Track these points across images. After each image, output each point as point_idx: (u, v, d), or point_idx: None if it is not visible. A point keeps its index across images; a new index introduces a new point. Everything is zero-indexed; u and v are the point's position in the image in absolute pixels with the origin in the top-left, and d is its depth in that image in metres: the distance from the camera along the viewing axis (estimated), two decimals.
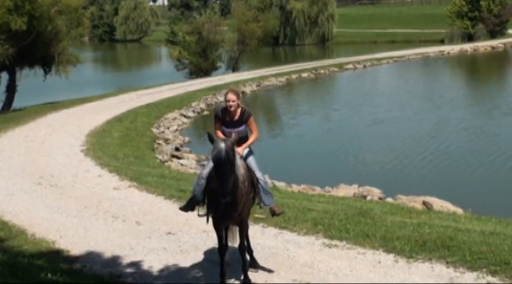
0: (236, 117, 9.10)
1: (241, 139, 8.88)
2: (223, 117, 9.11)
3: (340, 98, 43.35)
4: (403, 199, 16.83)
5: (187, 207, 9.32)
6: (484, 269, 9.15)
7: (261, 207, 9.45)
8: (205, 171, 8.97)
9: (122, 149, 22.48)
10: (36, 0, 32.78)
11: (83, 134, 25.02)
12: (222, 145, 8.06)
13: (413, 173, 21.92)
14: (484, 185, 20.19)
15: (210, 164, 8.87)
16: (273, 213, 9.34)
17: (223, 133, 9.04)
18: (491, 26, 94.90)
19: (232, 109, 9.04)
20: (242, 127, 9.08)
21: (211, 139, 8.28)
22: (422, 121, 32.03)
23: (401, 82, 51.58)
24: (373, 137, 28.59)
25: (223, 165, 8.00)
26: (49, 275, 8.85)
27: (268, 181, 18.44)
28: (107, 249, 10.91)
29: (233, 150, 8.17)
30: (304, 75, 55.07)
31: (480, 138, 27.78)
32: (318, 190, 18.49)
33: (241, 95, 9.51)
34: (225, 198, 8.08)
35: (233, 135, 8.61)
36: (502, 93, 43.09)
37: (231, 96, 9.03)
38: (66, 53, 38.29)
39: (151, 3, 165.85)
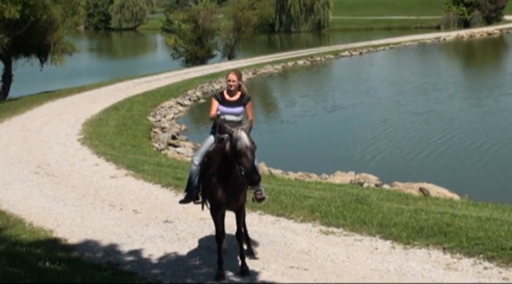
0: (235, 98, 9.16)
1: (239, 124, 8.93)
2: (222, 98, 9.17)
3: (335, 85, 43.28)
4: (400, 186, 16.86)
5: (187, 199, 9.35)
6: (481, 255, 9.19)
7: (255, 191, 9.27)
8: (197, 157, 9.02)
9: (119, 138, 22.47)
10: None
11: (79, 123, 25.01)
12: (244, 135, 8.04)
13: (409, 160, 21.95)
14: (480, 171, 20.22)
15: (202, 150, 8.98)
16: (256, 198, 9.17)
17: (218, 115, 9.04)
18: (487, 12, 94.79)
19: (233, 89, 9.12)
20: (240, 108, 9.12)
21: (222, 128, 8.34)
22: (419, 109, 32.06)
23: (397, 69, 51.67)
24: (370, 124, 28.58)
25: (250, 154, 7.97)
26: (47, 263, 8.86)
27: (265, 168, 18.51)
28: (105, 237, 10.92)
29: (251, 138, 8.15)
30: (300, 62, 55.05)
31: (476, 124, 27.82)
32: (314, 177, 18.52)
33: (242, 76, 9.52)
34: (256, 185, 8.36)
35: (247, 123, 8.57)
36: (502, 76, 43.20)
37: (233, 77, 9.13)
38: (61, 42, 38.23)
39: None
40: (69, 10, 38.99)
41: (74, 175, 16.17)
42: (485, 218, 10.95)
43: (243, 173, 7.94)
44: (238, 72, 9.38)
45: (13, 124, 25.19)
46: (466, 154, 22.41)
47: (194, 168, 9.03)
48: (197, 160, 9.00)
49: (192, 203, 9.42)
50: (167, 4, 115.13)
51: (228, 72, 9.34)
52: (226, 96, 9.17)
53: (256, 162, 8.46)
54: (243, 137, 8.00)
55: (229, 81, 9.15)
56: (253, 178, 7.94)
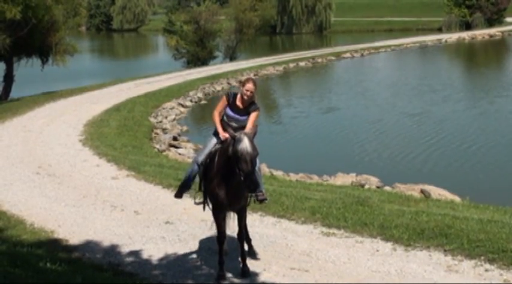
0: (245, 106, 8.98)
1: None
2: (233, 101, 9.02)
3: (336, 87, 43.24)
4: (401, 188, 16.86)
5: (181, 191, 9.40)
6: (482, 257, 9.18)
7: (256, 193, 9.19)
8: (201, 158, 9.01)
9: (120, 139, 22.47)
10: None
11: (80, 124, 25.02)
12: (246, 139, 7.96)
13: (411, 161, 21.93)
14: (481, 173, 20.19)
15: (206, 151, 8.95)
16: (257, 199, 8.98)
17: (223, 118, 9.03)
18: (489, 14, 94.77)
19: (248, 99, 8.93)
20: (245, 117, 8.96)
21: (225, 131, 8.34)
22: (421, 111, 32.04)
23: (399, 71, 51.71)
24: (371, 125, 28.55)
25: (250, 159, 7.90)
26: (48, 264, 8.85)
27: (266, 170, 18.52)
28: (106, 238, 10.92)
29: (254, 144, 8.08)
30: (302, 64, 55.08)
31: (477, 126, 27.80)
32: (315, 178, 18.50)
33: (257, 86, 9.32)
34: (253, 192, 8.23)
35: (250, 128, 8.53)
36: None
37: (251, 86, 8.89)
38: (63, 43, 38.28)
39: None
40: (70, 11, 39.06)
41: (75, 176, 16.17)
42: (487, 220, 10.95)
43: (241, 177, 7.92)
44: (255, 81, 9.15)
45: (14, 125, 25.20)
46: (467, 156, 22.39)
47: (196, 167, 9.04)
48: (201, 160, 8.98)
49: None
50: (169, 5, 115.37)
51: (246, 80, 9.07)
52: (238, 102, 8.98)
53: (257, 166, 8.43)
54: (245, 141, 7.95)
55: (247, 90, 8.86)
56: (249, 184, 7.90)
